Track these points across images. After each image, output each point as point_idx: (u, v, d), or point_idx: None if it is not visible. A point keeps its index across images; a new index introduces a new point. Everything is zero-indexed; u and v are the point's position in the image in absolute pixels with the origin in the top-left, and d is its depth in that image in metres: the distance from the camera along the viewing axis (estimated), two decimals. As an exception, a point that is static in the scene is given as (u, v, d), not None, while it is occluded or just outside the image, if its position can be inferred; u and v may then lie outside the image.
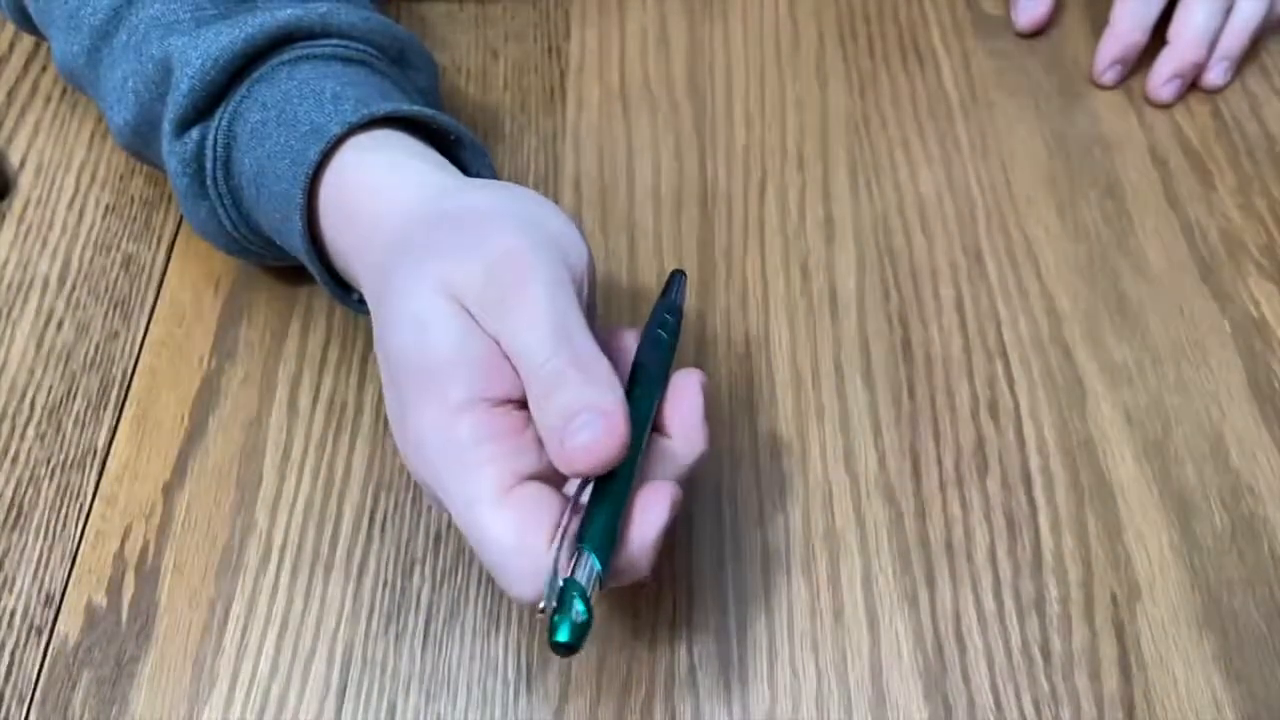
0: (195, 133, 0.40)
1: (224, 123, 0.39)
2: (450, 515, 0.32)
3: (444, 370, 0.31)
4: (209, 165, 0.40)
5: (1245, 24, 0.53)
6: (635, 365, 0.34)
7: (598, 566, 0.30)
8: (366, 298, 0.37)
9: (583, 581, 0.29)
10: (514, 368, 0.32)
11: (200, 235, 0.43)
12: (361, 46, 0.41)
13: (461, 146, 0.41)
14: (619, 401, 0.31)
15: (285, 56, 0.39)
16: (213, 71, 0.38)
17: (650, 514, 0.31)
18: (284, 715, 0.36)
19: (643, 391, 0.34)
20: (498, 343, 0.32)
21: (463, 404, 0.31)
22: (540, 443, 0.32)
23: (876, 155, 0.51)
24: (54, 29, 0.44)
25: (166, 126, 0.40)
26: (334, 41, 0.40)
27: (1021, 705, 0.36)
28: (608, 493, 0.31)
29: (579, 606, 0.29)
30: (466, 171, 0.41)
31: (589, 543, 0.30)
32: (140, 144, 0.43)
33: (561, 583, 0.29)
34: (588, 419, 0.30)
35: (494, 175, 0.42)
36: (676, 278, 0.38)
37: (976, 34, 0.56)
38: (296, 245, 0.38)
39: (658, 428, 0.34)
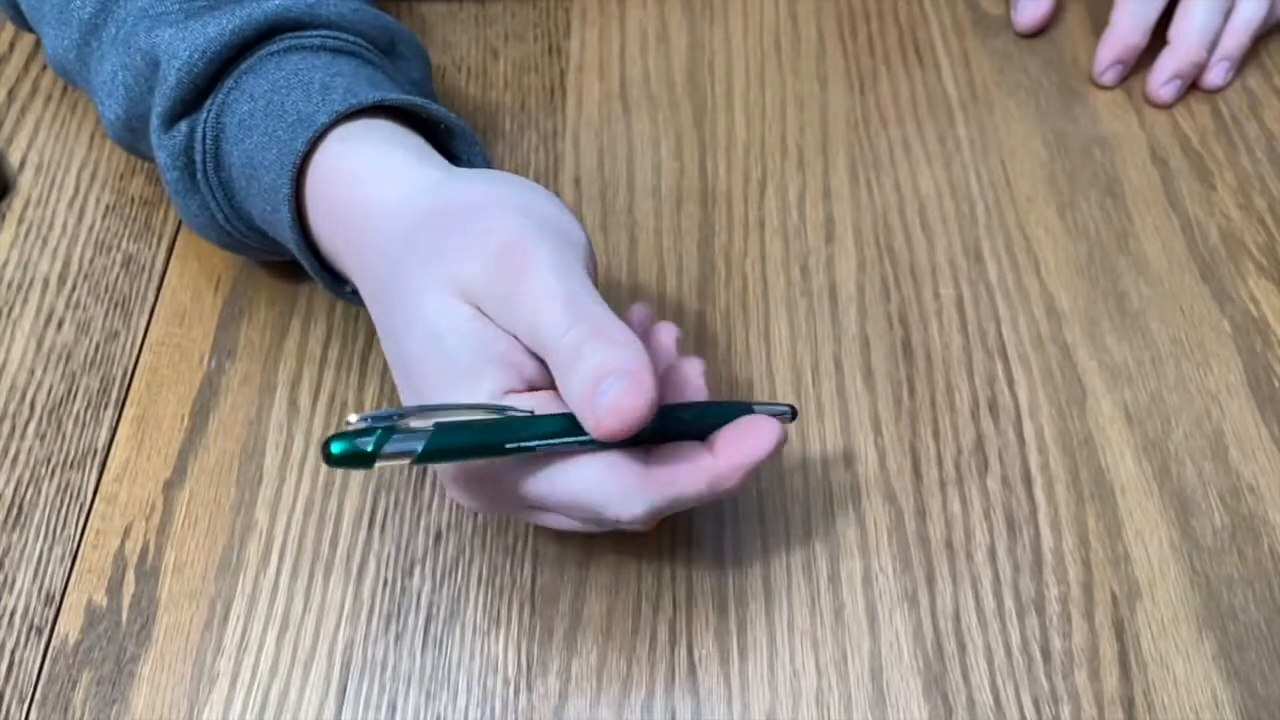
0: (184, 125, 0.39)
1: (212, 115, 0.39)
2: (511, 512, 0.33)
3: (470, 373, 0.31)
4: (198, 158, 0.40)
5: (1245, 24, 0.53)
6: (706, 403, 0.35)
7: (419, 450, 0.29)
8: (363, 296, 0.37)
9: (399, 442, 0.29)
10: (535, 358, 0.32)
11: (193, 229, 0.43)
12: (350, 37, 0.41)
13: (453, 136, 0.40)
14: (642, 359, 0.30)
15: (273, 47, 0.39)
16: (200, 64, 0.38)
17: (750, 441, 0.32)
18: (284, 715, 0.36)
19: (692, 406, 0.34)
20: (515, 336, 0.32)
21: (494, 397, 0.31)
22: None
23: (876, 154, 0.51)
24: (45, 24, 0.44)
25: (155, 120, 0.39)
26: (322, 32, 0.40)
27: (1021, 704, 0.36)
28: (553, 424, 0.31)
29: (371, 442, 0.29)
30: (458, 162, 0.41)
31: (448, 432, 0.30)
32: (132, 138, 0.43)
33: (376, 425, 0.29)
34: (613, 380, 0.30)
35: (487, 164, 0.41)
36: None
37: (976, 34, 0.56)
38: (286, 236, 0.38)
39: (701, 437, 0.33)
